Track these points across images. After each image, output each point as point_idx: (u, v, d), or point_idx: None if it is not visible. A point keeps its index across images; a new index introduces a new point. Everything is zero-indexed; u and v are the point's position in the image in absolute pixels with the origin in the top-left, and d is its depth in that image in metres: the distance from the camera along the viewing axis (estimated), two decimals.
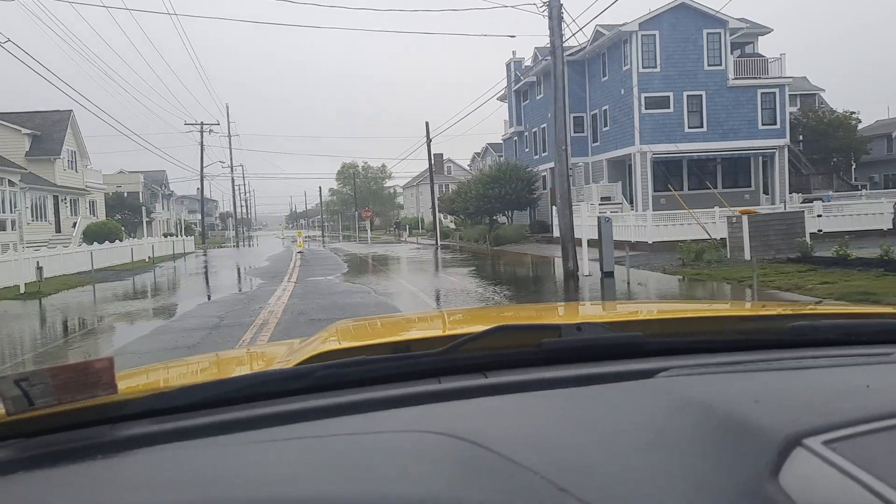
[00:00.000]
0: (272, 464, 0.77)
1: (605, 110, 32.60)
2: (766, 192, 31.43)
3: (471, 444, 0.78)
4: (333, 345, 1.38)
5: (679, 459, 0.73)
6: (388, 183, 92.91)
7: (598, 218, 17.99)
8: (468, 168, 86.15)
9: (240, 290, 18.19)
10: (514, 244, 32.18)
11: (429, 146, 37.99)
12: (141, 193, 72.91)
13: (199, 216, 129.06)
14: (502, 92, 43.40)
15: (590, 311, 2.25)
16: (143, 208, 50.41)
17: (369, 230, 52.14)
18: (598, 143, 33.66)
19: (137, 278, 24.15)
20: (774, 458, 0.70)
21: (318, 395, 1.00)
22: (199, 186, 58.59)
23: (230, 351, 2.53)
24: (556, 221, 31.58)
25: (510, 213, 36.75)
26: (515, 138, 43.52)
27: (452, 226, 72.98)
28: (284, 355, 1.41)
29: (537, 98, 38.75)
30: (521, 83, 40.09)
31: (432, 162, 37.94)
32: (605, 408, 0.91)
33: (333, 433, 0.86)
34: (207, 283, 22.63)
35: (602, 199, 31.67)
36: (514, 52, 42.18)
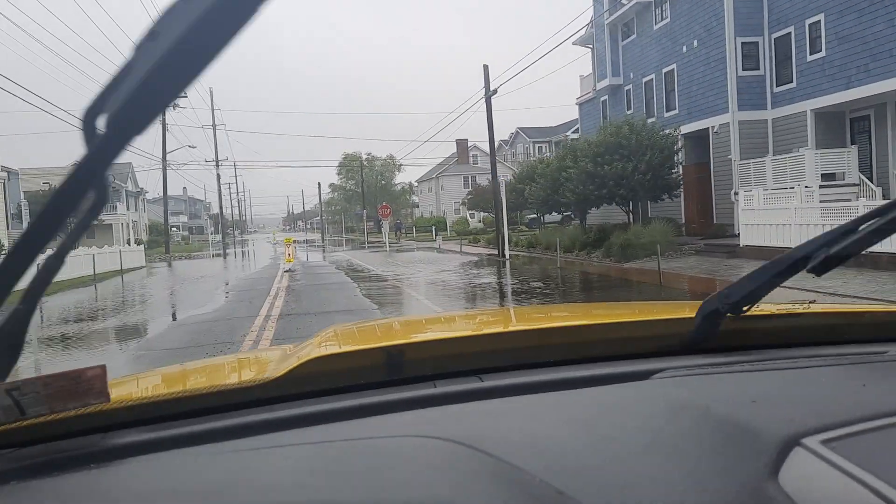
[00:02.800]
0: (267, 471, 0.77)
1: (813, 25, 18.76)
2: None
3: (468, 449, 0.78)
4: (328, 350, 1.35)
5: (677, 461, 0.73)
6: (398, 178, 79.06)
7: None
8: (500, 160, 72.40)
9: None
10: (658, 258, 18.40)
11: (488, 103, 24.24)
12: None
13: (184, 218, 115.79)
14: (582, 31, 29.62)
15: (584, 314, 1.94)
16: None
17: (386, 233, 38.37)
18: (791, 86, 19.83)
19: None
20: (773, 458, 0.70)
21: (313, 401, 0.99)
22: (162, 177, 44.85)
23: (223, 357, 2.26)
24: (741, 218, 17.75)
25: (634, 206, 22.74)
26: (605, 97, 29.77)
27: (480, 225, 59.49)
28: (279, 360, 1.36)
29: (655, 27, 25.06)
30: (624, 9, 26.36)
31: (492, 124, 24.24)
32: (602, 409, 0.91)
33: (329, 439, 0.85)
34: None
35: (824, 177, 17.86)
36: None
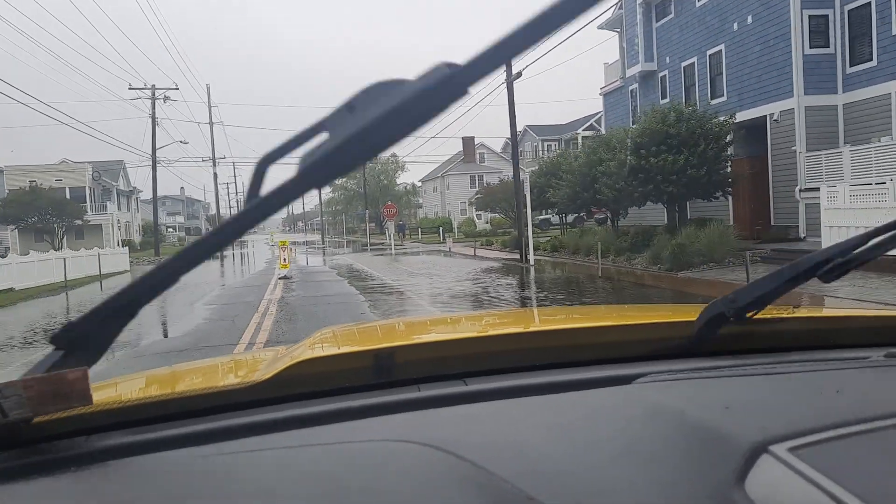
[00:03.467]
0: (249, 475, 0.78)
1: None
2: None
3: (445, 453, 0.78)
4: (317, 352, 1.34)
5: (650, 467, 0.74)
6: (402, 178, 76.19)
7: None
8: (505, 157, 69.45)
9: None
10: (711, 267, 15.58)
11: (510, 88, 21.39)
12: (88, 189, 56.99)
13: (181, 219, 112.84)
14: (609, 13, 26.83)
15: (572, 318, 2.04)
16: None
17: (392, 235, 35.52)
18: (870, 65, 16.99)
19: None
20: (741, 464, 0.71)
21: (296, 404, 1.00)
22: (152, 174, 42.02)
23: (213, 359, 2.14)
24: (823, 219, 14.92)
25: (674, 206, 19.82)
26: (635, 86, 26.94)
27: (488, 226, 56.62)
28: (267, 363, 1.36)
29: (697, 4, 22.23)
30: None
31: (514, 112, 21.41)
32: (583, 414, 0.92)
33: (310, 443, 0.86)
34: None
35: None
36: None
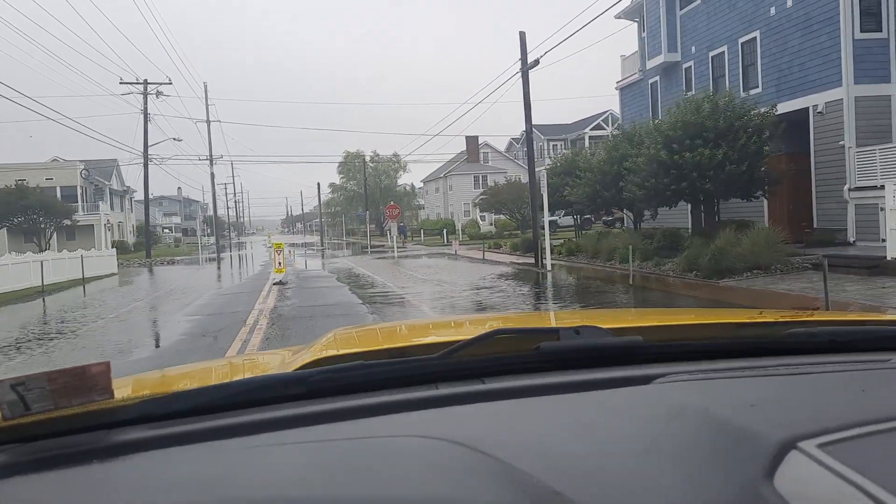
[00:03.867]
0: (270, 468, 0.78)
1: None
2: None
3: (468, 449, 0.78)
4: (332, 351, 1.36)
5: (675, 464, 0.74)
6: (402, 178, 74.44)
7: None
8: (510, 157, 67.73)
9: None
10: (756, 274, 13.86)
11: (525, 77, 19.67)
12: (79, 188, 55.19)
13: (177, 219, 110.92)
14: (629, 3, 25.16)
15: (589, 317, 2.13)
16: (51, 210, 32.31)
17: (394, 236, 33.75)
18: None
19: None
20: (769, 461, 0.71)
21: (316, 400, 0.99)
22: (144, 172, 40.33)
23: (227, 358, 2.29)
24: (889, 221, 13.20)
25: (709, 206, 18.04)
26: (656, 78, 25.25)
27: (490, 228, 54.82)
28: (282, 362, 1.38)
29: None
30: None
31: (529, 103, 19.66)
32: (603, 413, 0.92)
33: (332, 438, 0.86)
34: None
35: None
36: None
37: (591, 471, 0.73)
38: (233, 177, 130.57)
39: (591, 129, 63.32)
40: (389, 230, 58.74)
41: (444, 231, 43.86)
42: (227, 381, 1.20)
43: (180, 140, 42.52)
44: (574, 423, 0.88)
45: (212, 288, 20.20)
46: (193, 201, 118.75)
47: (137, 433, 0.90)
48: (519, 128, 76.74)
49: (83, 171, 48.79)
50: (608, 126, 63.72)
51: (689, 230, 19.85)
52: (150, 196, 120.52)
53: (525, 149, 73.51)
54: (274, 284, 18.47)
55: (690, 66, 23.01)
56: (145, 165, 40.16)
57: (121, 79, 39.06)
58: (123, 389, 1.06)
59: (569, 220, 54.48)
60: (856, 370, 1.07)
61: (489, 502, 0.68)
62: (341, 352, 1.37)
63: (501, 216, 56.07)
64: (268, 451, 0.83)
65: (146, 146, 39.78)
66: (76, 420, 0.88)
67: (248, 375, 1.43)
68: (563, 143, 65.96)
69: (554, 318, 2.06)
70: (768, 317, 1.47)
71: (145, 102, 39.55)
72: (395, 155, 69.83)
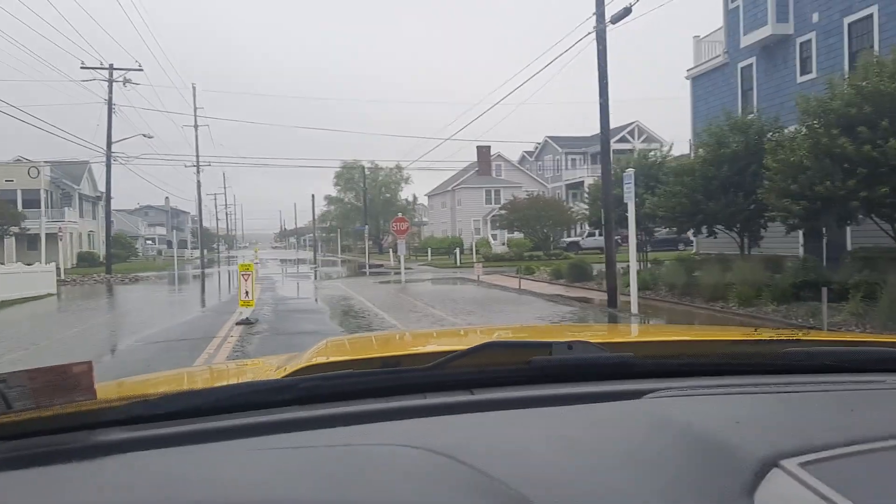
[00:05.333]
0: (253, 470, 0.78)
1: None
2: None
3: (449, 459, 0.78)
4: (322, 358, 1.35)
5: (654, 477, 0.73)
6: (405, 192, 68.54)
7: None
8: (525, 170, 61.91)
9: None
10: None
11: (601, 36, 13.78)
12: (43, 191, 49.02)
13: (162, 230, 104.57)
14: None
15: (583, 331, 2.16)
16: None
17: (401, 255, 27.60)
18: None
19: None
20: (751, 478, 0.71)
21: (302, 407, 0.99)
22: (106, 172, 34.38)
23: (216, 364, 2.26)
24: None
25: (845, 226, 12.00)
26: (751, 59, 19.46)
27: (502, 248, 48.73)
28: (273, 369, 1.37)
29: None
30: None
31: (605, 69, 13.81)
32: (588, 426, 0.91)
33: (315, 444, 0.86)
34: None
35: None
36: None
37: (569, 482, 0.73)
38: (224, 187, 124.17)
39: (615, 142, 57.60)
40: (392, 248, 53.36)
41: (457, 251, 37.77)
42: (215, 385, 1.22)
43: (151, 137, 36.65)
44: (558, 436, 0.87)
45: (151, 325, 14.11)
46: (182, 212, 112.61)
47: (121, 434, 0.88)
48: (531, 140, 71.12)
49: (31, 171, 42.46)
50: (634, 138, 58.16)
51: (803, 258, 13.95)
52: (137, 205, 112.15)
53: (538, 162, 67.55)
54: (238, 324, 12.55)
55: (810, 40, 17.22)
56: (108, 164, 34.17)
57: (82, 62, 33.16)
58: (106, 391, 1.03)
59: (593, 242, 48.84)
60: (847, 390, 1.05)
61: None
62: (333, 359, 1.36)
63: (515, 235, 50.45)
64: (252, 454, 0.83)
65: (109, 142, 33.81)
66: (57, 420, 0.87)
67: (239, 380, 1.41)
68: (582, 156, 60.27)
69: (547, 332, 2.02)
70: (765, 335, 1.45)
71: (110, 91, 33.70)
72: (398, 166, 64.00)
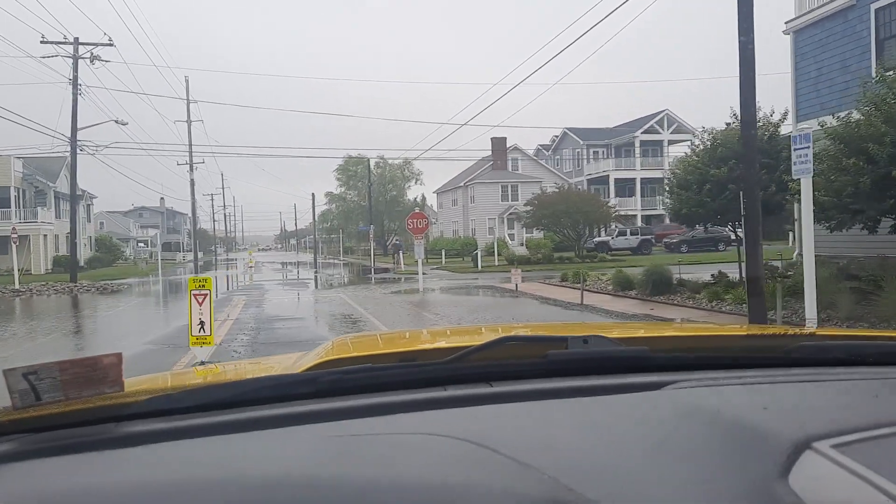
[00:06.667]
0: (277, 456, 0.80)
1: None
2: None
3: (477, 446, 0.79)
4: (342, 354, 1.36)
5: (687, 462, 0.74)
6: (412, 190, 63.62)
7: None
8: (544, 164, 56.93)
9: None
10: None
11: None
12: (13, 189, 44.18)
13: (154, 232, 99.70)
14: None
15: (598, 327, 2.17)
16: None
17: (420, 258, 22.64)
18: None
19: None
20: (784, 460, 0.72)
21: (324, 399, 1.00)
22: (71, 161, 29.66)
23: (234, 362, 2.29)
24: None
25: None
26: (877, 1, 14.53)
27: (521, 250, 43.69)
28: (289, 365, 1.39)
29: None
30: None
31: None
32: (612, 415, 0.92)
33: (339, 434, 0.87)
34: None
35: None
36: None
37: (601, 467, 0.73)
38: (222, 187, 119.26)
39: (642, 133, 52.71)
40: (394, 249, 48.59)
41: (477, 253, 32.78)
42: (236, 380, 1.24)
43: (125, 123, 31.77)
44: (582, 424, 0.88)
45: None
46: (179, 213, 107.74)
47: (147, 426, 0.90)
48: (549, 131, 66.26)
49: (36, 177, 37.52)
50: (663, 129, 53.26)
51: None
52: (131, 206, 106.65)
53: (556, 156, 62.31)
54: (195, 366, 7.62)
55: None
56: (72, 153, 29.33)
57: (42, 36, 28.35)
58: (132, 386, 1.04)
59: (623, 242, 43.80)
60: (867, 379, 1.06)
61: (498, 491, 0.68)
62: (351, 355, 1.36)
63: (534, 234, 45.54)
64: (278, 443, 0.84)
65: (74, 128, 28.96)
66: (86, 412, 0.88)
67: (259, 374, 1.43)
68: (605, 149, 55.37)
69: (562, 328, 1.99)
70: (777, 330, 1.50)
71: (75, 69, 28.84)
72: (406, 161, 59.09)
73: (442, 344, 1.55)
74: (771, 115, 15.23)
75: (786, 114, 15.80)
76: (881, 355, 1.23)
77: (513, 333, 1.54)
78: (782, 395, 0.98)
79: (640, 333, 1.61)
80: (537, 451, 0.77)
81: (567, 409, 0.95)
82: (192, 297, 8.80)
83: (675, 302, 14.16)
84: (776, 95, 18.55)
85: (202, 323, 8.70)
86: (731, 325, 1.85)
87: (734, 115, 14.34)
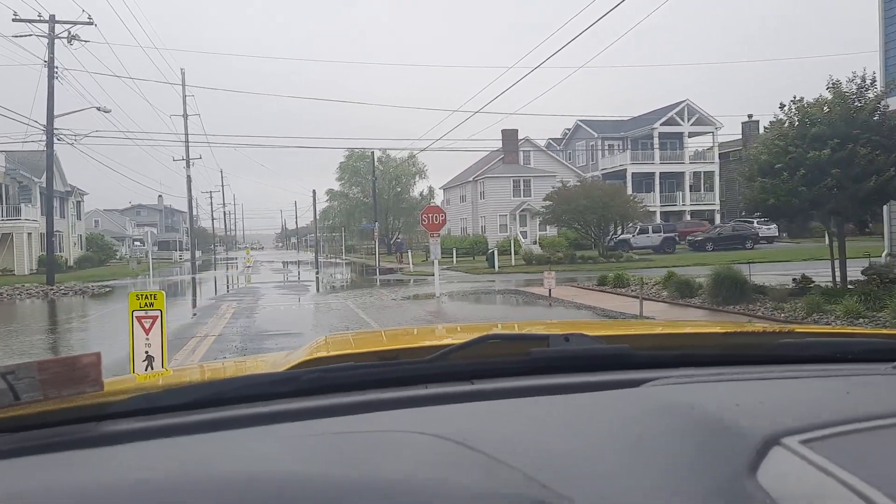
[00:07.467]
0: (256, 456, 0.80)
1: None
2: None
3: (455, 444, 0.80)
4: (323, 353, 1.36)
5: (659, 458, 0.75)
6: (418, 186, 60.90)
7: None
8: (558, 157, 54.16)
9: None
10: None
11: None
12: None
13: (152, 230, 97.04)
14: None
15: (579, 325, 2.12)
16: None
17: (435, 257, 20.02)
18: None
19: None
20: (753, 456, 0.73)
21: (305, 398, 1.00)
22: (47, 151, 27.07)
23: (218, 361, 2.19)
24: None
25: None
26: None
27: (537, 249, 40.81)
28: (273, 364, 1.39)
29: None
30: None
31: None
32: (590, 413, 0.93)
33: (319, 432, 0.87)
34: None
35: None
36: None
37: (577, 464, 0.75)
38: (221, 185, 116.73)
39: (661, 125, 49.96)
40: (397, 248, 46.00)
41: (494, 253, 30.03)
42: (218, 378, 1.23)
43: (108, 111, 29.12)
44: (561, 422, 0.89)
45: None
46: (177, 211, 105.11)
47: (127, 425, 0.90)
48: (561, 124, 63.57)
49: (20, 173, 34.91)
50: (684, 120, 50.48)
51: None
52: (129, 204, 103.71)
53: (568, 150, 59.46)
54: None
55: None
56: (49, 142, 26.69)
57: (14, 13, 25.70)
58: (112, 385, 1.04)
59: (645, 240, 41.13)
60: (842, 376, 1.08)
61: (474, 490, 0.69)
62: (333, 353, 1.36)
63: (548, 232, 42.88)
64: (255, 441, 0.84)
65: (51, 115, 26.31)
66: (65, 412, 0.88)
67: (242, 372, 1.43)
68: (622, 142, 52.64)
69: (545, 327, 1.99)
70: (758, 328, 1.44)
71: (51, 50, 26.20)
72: (412, 155, 56.35)
73: (425, 343, 1.56)
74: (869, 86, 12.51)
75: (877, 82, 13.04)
76: (861, 353, 1.24)
77: (494, 332, 1.50)
78: (757, 391, 0.98)
79: (622, 332, 1.63)
80: (515, 449, 0.77)
81: (547, 406, 0.95)
82: (136, 320, 6.14)
83: (760, 313, 11.46)
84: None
85: (149, 358, 6.06)
86: (714, 323, 1.72)
87: (833, 82, 11.61)
